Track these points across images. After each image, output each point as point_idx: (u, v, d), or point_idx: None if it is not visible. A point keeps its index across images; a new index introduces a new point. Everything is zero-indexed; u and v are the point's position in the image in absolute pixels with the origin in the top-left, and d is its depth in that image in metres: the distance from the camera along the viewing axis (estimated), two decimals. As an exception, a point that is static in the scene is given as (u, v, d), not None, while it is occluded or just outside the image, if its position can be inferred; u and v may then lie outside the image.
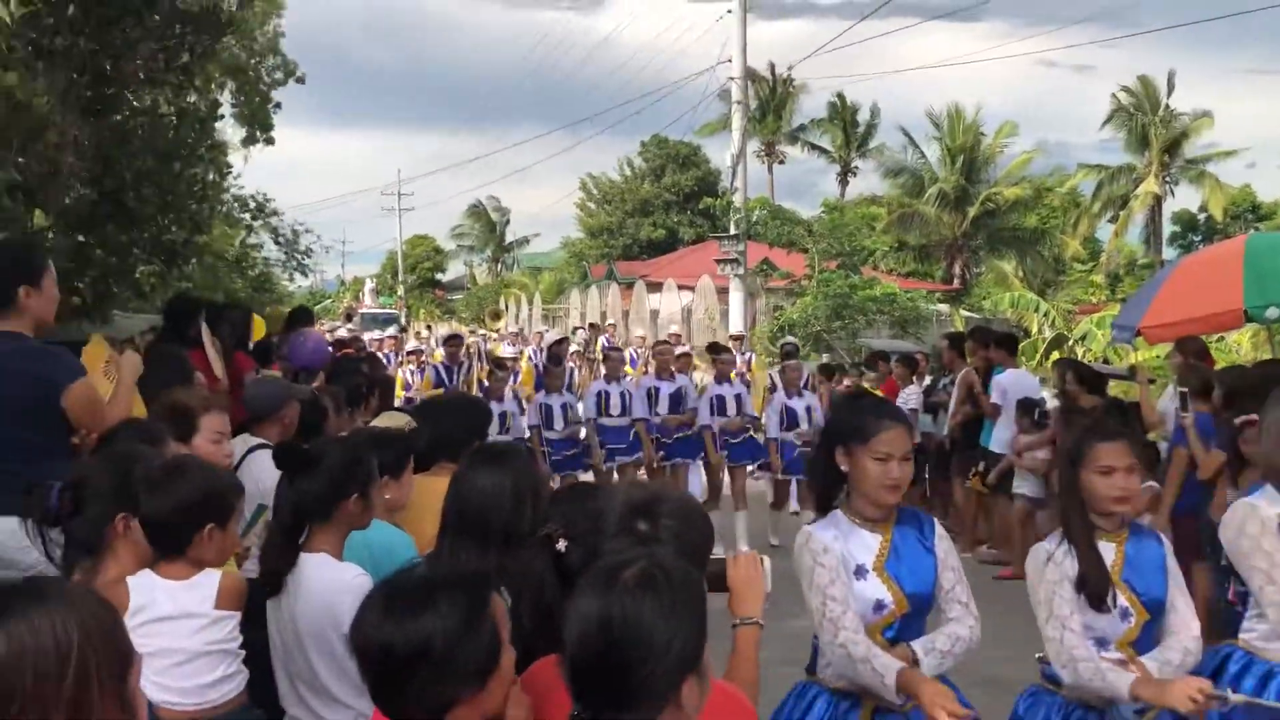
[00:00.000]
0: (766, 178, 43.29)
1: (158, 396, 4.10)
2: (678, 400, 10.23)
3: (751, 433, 9.99)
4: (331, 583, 2.86)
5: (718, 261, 22.83)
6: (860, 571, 2.98)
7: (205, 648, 2.90)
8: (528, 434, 9.94)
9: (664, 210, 44.49)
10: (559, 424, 10.01)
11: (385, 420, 4.73)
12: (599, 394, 10.16)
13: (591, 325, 23.68)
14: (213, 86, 15.50)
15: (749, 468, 10.00)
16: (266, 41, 21.36)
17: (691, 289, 27.71)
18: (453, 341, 13.10)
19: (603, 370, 11.89)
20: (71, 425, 3.90)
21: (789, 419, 9.74)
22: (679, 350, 11.39)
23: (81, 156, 5.57)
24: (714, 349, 12.44)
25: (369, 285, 53.74)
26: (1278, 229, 32.18)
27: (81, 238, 6.82)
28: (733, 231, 22.52)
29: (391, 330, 24.19)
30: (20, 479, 3.43)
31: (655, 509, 2.30)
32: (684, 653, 1.73)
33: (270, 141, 22.57)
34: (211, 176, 10.74)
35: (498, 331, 26.07)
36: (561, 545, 2.39)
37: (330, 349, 9.18)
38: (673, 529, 2.27)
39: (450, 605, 1.81)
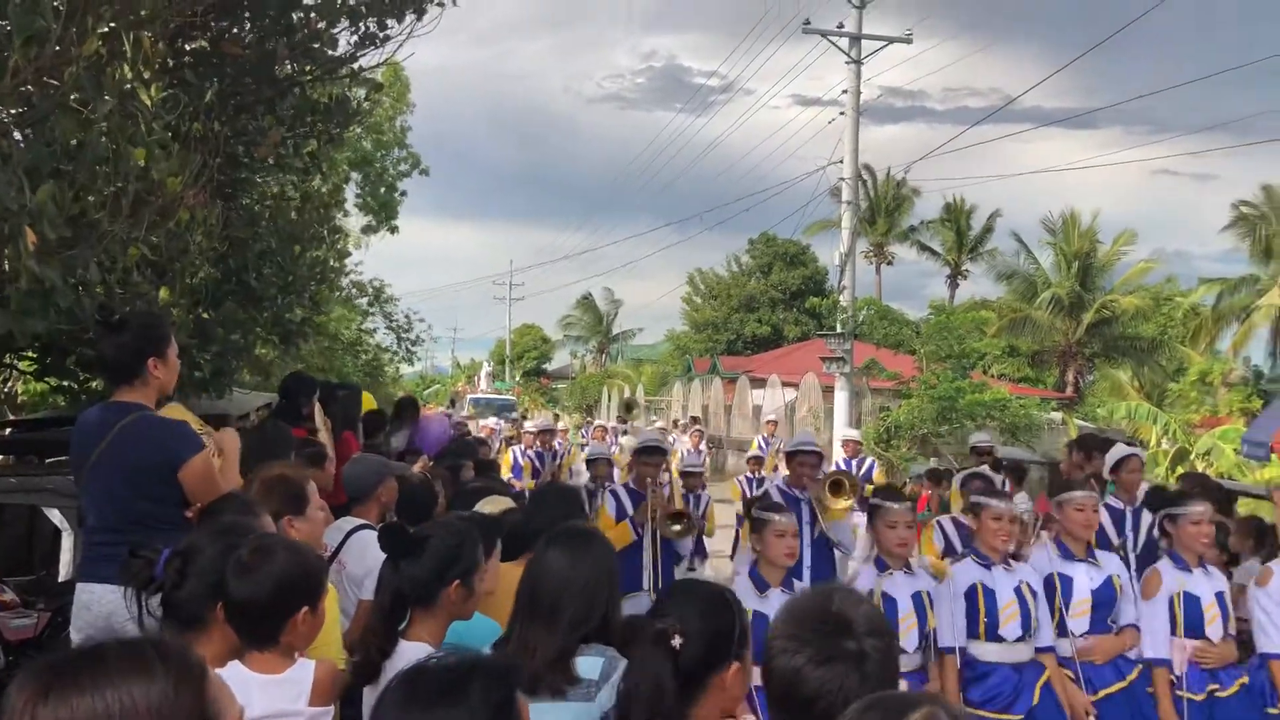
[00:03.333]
0: (874, 278, 43.32)
1: (257, 470, 4.13)
2: (1108, 600, 5.15)
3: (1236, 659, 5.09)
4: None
5: (823, 360, 22.60)
6: None
7: None
8: None
9: (770, 307, 44.53)
10: (913, 641, 4.84)
11: (487, 506, 4.70)
12: (971, 592, 4.91)
13: (694, 418, 23.55)
14: (339, 174, 16.13)
15: None
16: (394, 136, 22.30)
17: (795, 386, 27.45)
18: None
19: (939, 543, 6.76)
20: (186, 499, 3.93)
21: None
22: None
23: (210, 236, 5.78)
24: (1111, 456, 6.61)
25: (485, 369, 53.75)
26: None
27: (205, 314, 7.05)
28: (839, 330, 22.32)
29: (540, 423, 17.20)
30: (135, 548, 3.44)
31: (851, 624, 1.99)
32: None
33: (394, 230, 23.38)
34: (331, 260, 11.06)
35: (630, 426, 24.13)
36: (676, 642, 2.29)
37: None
38: (880, 650, 1.98)
39: (476, 699, 1.64)
